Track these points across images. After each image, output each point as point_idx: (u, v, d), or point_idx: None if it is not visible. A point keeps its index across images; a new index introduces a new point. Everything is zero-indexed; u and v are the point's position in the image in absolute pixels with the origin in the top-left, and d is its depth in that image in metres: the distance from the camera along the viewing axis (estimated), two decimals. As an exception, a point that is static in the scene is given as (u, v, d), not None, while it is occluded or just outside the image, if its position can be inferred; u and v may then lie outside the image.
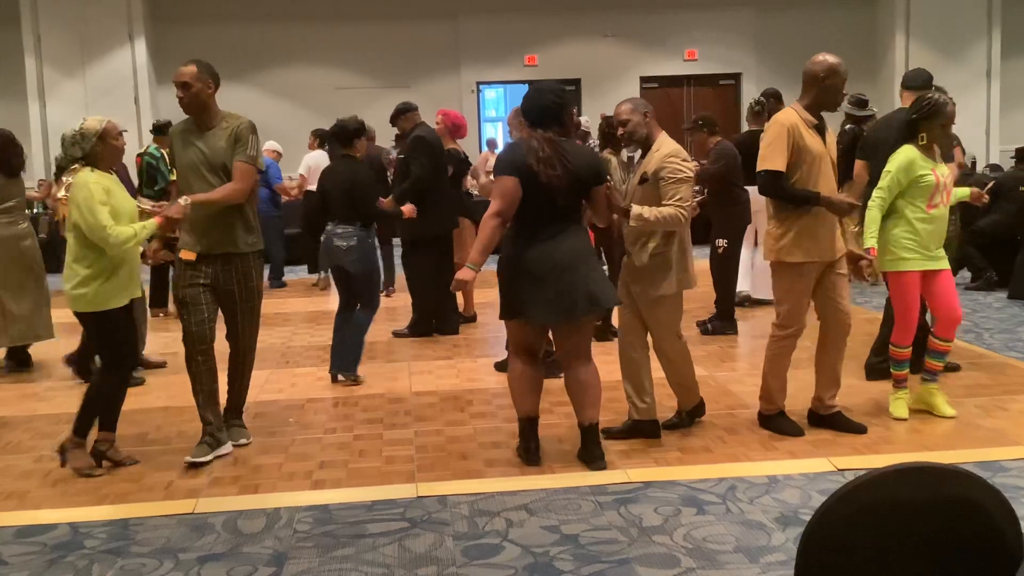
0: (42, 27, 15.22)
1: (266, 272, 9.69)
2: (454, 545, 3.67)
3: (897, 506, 1.32)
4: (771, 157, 4.60)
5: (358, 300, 6.24)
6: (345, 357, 6.23)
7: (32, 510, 4.17)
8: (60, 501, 4.27)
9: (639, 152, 4.83)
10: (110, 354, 4.59)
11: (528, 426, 4.59)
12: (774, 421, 4.95)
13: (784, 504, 3.98)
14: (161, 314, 8.95)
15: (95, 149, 4.46)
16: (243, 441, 4.94)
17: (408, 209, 6.57)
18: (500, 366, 6.37)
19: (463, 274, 4.29)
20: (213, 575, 3.47)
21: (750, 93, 16.39)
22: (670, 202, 4.50)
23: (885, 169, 4.92)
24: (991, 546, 1.33)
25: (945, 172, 4.97)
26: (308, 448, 4.88)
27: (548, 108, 4.39)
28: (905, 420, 5.06)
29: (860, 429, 4.85)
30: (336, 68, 16.54)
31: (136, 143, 12.93)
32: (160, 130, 9.39)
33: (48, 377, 6.75)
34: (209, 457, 4.66)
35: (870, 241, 4.87)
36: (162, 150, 8.99)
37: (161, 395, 6.04)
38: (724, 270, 7.49)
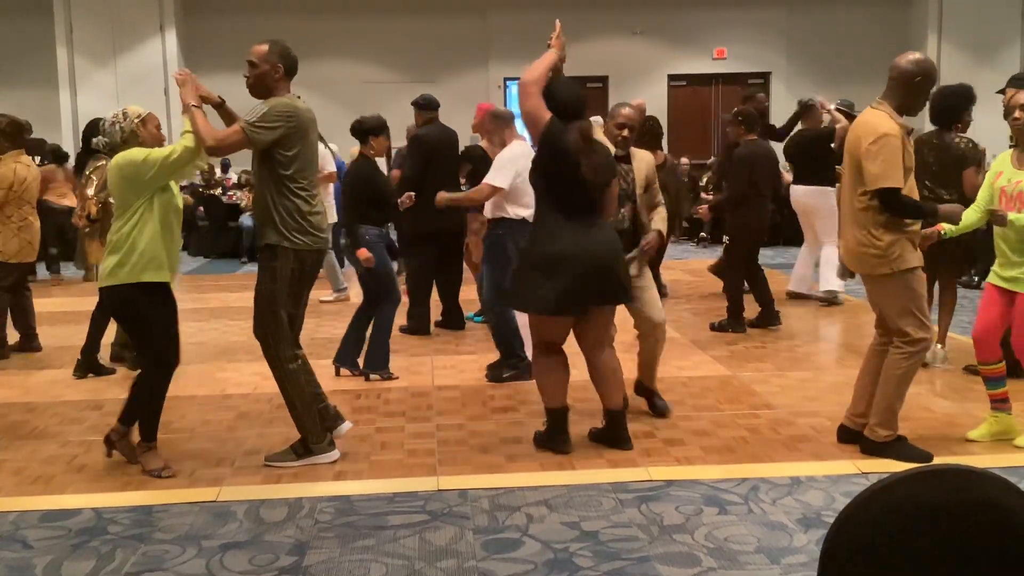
0: (74, 17, 15.37)
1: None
2: (474, 539, 3.67)
3: (922, 509, 1.30)
4: (890, 174, 4.22)
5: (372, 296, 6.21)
6: (372, 354, 6.19)
7: (57, 495, 4.22)
8: (85, 486, 4.31)
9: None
10: None
11: (561, 416, 4.69)
12: (897, 447, 4.48)
13: (807, 506, 3.96)
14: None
15: None
16: None
17: (405, 199, 6.53)
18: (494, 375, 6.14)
19: None
20: (235, 562, 3.50)
21: (779, 92, 16.29)
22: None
23: None
24: (1019, 550, 1.31)
25: None
26: (330, 439, 4.89)
27: (581, 100, 4.70)
28: None
29: (927, 457, 4.37)
30: (364, 62, 16.59)
31: (166, 133, 13.03)
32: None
33: (74, 363, 6.81)
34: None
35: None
36: None
37: (188, 383, 6.09)
38: (729, 269, 7.48)
